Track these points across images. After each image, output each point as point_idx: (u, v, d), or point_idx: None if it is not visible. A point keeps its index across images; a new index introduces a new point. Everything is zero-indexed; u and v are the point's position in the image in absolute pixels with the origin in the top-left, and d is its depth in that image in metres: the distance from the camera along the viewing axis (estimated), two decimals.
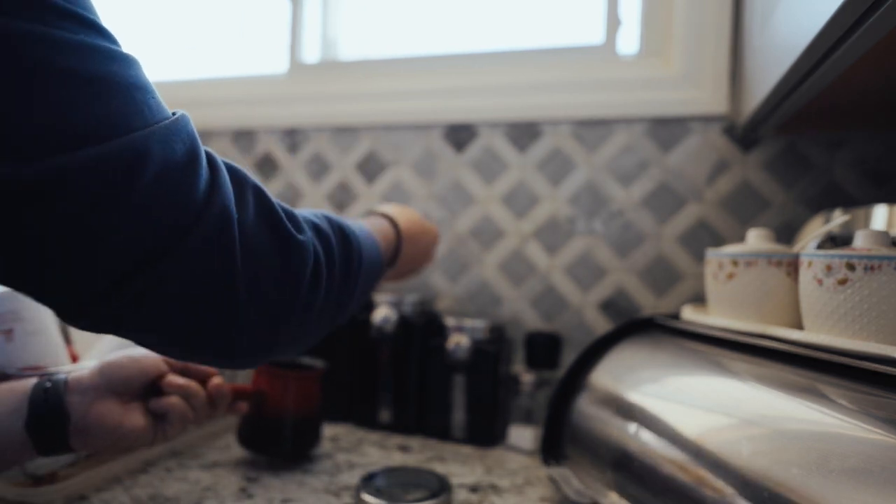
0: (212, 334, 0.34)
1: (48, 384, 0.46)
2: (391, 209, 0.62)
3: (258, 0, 1.14)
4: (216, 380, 0.54)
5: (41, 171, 0.26)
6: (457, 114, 0.93)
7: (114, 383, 0.48)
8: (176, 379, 0.51)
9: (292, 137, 1.03)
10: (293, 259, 0.37)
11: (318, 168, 1.01)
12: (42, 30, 0.26)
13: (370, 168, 0.98)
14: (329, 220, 0.44)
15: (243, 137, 1.06)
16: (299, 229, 0.38)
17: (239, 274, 0.33)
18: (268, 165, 1.04)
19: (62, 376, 0.48)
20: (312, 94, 1.02)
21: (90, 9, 0.29)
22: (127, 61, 0.30)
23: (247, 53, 1.15)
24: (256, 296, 0.35)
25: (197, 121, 0.35)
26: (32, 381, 0.47)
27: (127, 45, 0.31)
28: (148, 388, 0.50)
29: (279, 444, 0.64)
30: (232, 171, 0.35)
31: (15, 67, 0.25)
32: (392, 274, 0.61)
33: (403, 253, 0.59)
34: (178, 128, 0.31)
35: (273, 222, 0.36)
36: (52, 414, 0.45)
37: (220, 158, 0.35)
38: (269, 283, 0.35)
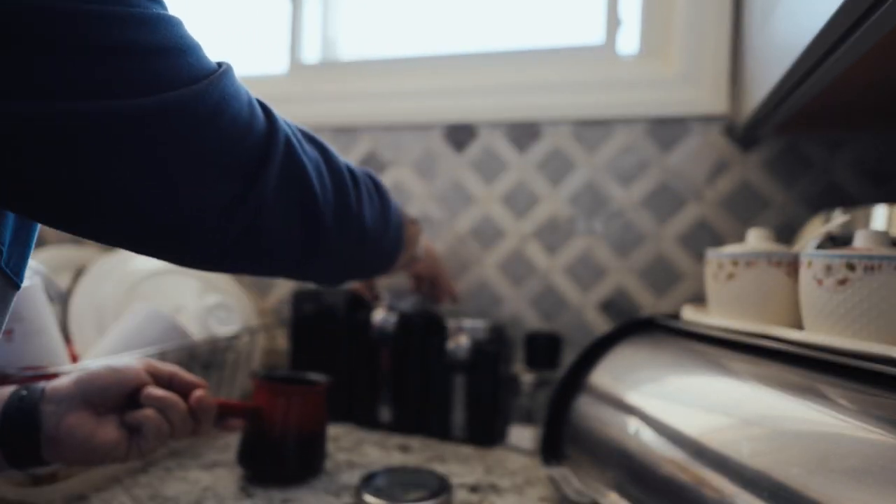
0: (306, 239, 0.43)
1: (24, 392, 0.45)
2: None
3: (258, 0, 1.14)
4: (198, 392, 0.51)
5: (156, 102, 0.31)
6: (457, 114, 0.93)
7: (90, 394, 0.46)
8: (154, 391, 0.48)
9: None
10: (333, 164, 0.46)
11: None
12: (130, 10, 0.30)
13: (370, 168, 0.98)
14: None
15: None
16: (326, 145, 0.47)
17: (313, 181, 0.42)
18: None
19: (40, 385, 0.46)
20: (312, 94, 1.02)
21: None
22: (182, 24, 0.34)
23: (247, 53, 1.15)
24: (327, 197, 0.44)
25: None
26: (9, 389, 0.46)
27: None
28: (127, 400, 0.48)
29: (282, 465, 0.60)
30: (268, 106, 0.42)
31: (118, 43, 0.29)
32: (405, 259, 0.65)
33: (421, 244, 0.68)
34: (232, 74, 0.36)
35: (312, 139, 0.46)
36: (24, 422, 0.44)
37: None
38: (328, 186, 0.45)
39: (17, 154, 0.28)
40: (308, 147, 0.43)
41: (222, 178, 0.35)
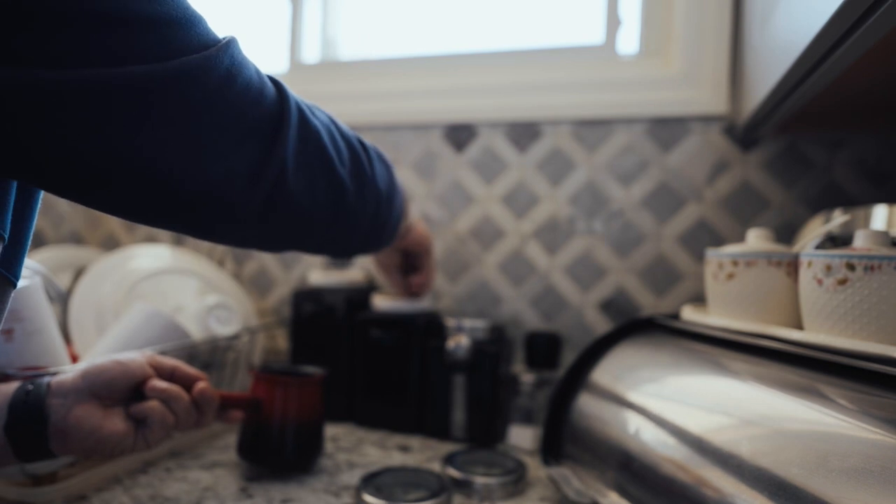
0: (329, 201, 0.45)
1: (30, 387, 0.46)
2: None
3: (258, 0, 1.14)
4: (201, 384, 0.52)
5: (167, 69, 0.31)
6: (457, 114, 0.93)
7: (96, 386, 0.47)
8: (158, 383, 0.49)
9: None
10: (344, 131, 0.49)
11: None
12: None
13: None
14: None
15: None
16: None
17: (327, 145, 0.44)
18: None
19: (45, 379, 0.47)
20: (312, 94, 1.01)
21: None
22: None
23: (247, 53, 1.15)
24: (343, 160, 0.46)
25: None
26: (15, 384, 0.46)
27: None
28: (132, 393, 0.49)
29: (280, 454, 0.61)
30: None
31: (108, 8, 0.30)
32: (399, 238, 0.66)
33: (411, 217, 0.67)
34: (238, 44, 0.37)
35: (320, 109, 0.47)
36: (30, 415, 0.44)
37: None
38: (343, 150, 0.46)
39: (32, 121, 0.29)
40: (318, 113, 0.45)
41: (241, 142, 0.36)
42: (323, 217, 0.45)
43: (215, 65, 0.34)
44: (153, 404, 0.49)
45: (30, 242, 0.38)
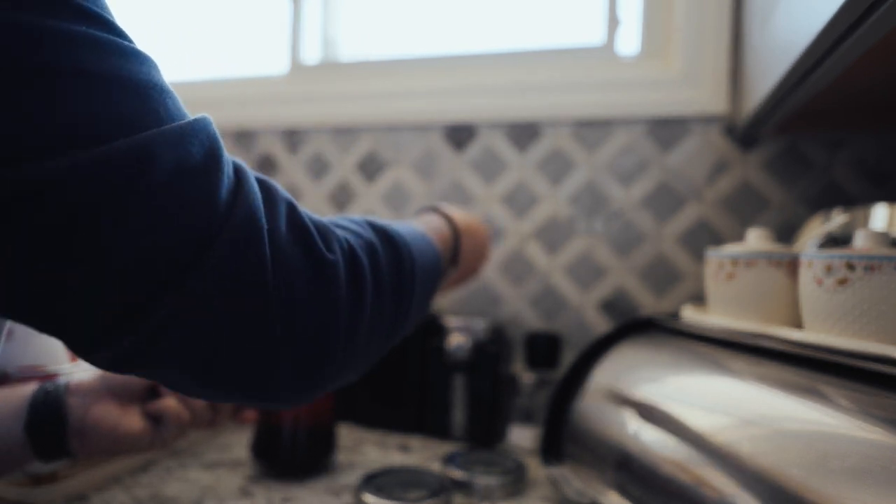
0: (246, 369, 0.30)
1: (50, 387, 0.47)
2: (443, 204, 0.58)
3: (258, 0, 1.14)
4: None
5: (37, 174, 0.22)
6: (457, 114, 0.93)
7: (113, 386, 0.48)
8: None
9: (292, 138, 1.03)
10: (324, 279, 0.32)
11: (319, 168, 1.01)
12: (51, 24, 0.23)
13: (370, 168, 0.98)
14: (373, 227, 0.39)
15: (243, 138, 1.06)
16: (330, 247, 0.33)
17: (270, 291, 0.29)
18: (268, 166, 1.04)
19: (64, 380, 0.48)
20: (312, 94, 1.02)
21: (103, 6, 0.27)
22: (141, 59, 0.27)
23: (247, 54, 1.15)
24: (291, 319, 0.30)
25: None
26: (34, 385, 0.47)
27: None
28: (149, 392, 0.50)
29: (294, 454, 0.62)
30: (262, 181, 0.32)
31: (17, 63, 0.23)
32: (454, 277, 0.55)
33: (464, 248, 0.54)
34: (194, 130, 0.27)
35: (305, 239, 0.32)
36: (50, 415, 0.45)
37: (249, 169, 0.31)
38: (303, 304, 0.31)
39: None
40: (287, 227, 0.31)
41: (125, 273, 0.25)
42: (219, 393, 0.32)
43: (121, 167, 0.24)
44: (169, 402, 0.49)
45: None
